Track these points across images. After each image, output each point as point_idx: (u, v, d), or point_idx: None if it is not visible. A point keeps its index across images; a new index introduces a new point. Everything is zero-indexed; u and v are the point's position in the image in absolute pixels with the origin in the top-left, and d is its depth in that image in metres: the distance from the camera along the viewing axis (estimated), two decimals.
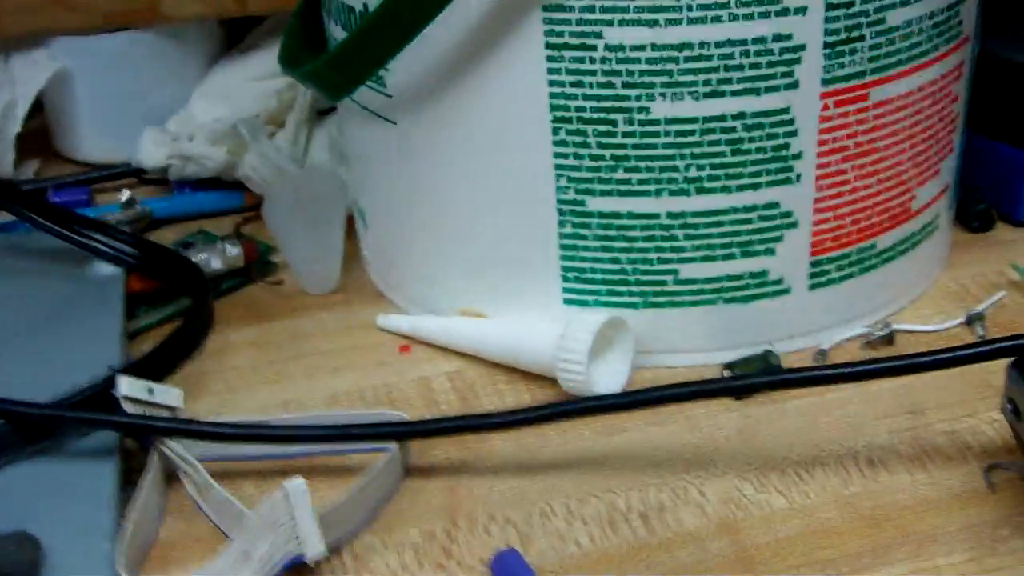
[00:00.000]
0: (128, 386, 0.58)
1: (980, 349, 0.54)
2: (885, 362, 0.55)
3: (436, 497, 0.57)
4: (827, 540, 0.52)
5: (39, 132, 0.95)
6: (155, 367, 0.64)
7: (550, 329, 0.62)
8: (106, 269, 0.74)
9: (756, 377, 0.59)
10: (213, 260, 0.74)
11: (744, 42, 0.56)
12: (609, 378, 0.62)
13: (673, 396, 0.56)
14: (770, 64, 0.57)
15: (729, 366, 0.63)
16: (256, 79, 0.85)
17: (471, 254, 0.65)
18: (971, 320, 0.66)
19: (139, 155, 0.85)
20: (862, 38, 0.58)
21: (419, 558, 0.53)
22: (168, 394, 0.60)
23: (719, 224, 0.60)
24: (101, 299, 0.71)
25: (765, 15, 0.56)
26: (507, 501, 0.56)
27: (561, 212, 0.61)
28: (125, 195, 0.82)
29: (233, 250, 0.74)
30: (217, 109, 0.85)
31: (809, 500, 0.55)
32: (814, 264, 0.63)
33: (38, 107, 0.92)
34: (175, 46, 0.89)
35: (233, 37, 0.92)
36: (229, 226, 0.81)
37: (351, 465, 0.59)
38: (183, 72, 0.90)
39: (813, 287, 0.63)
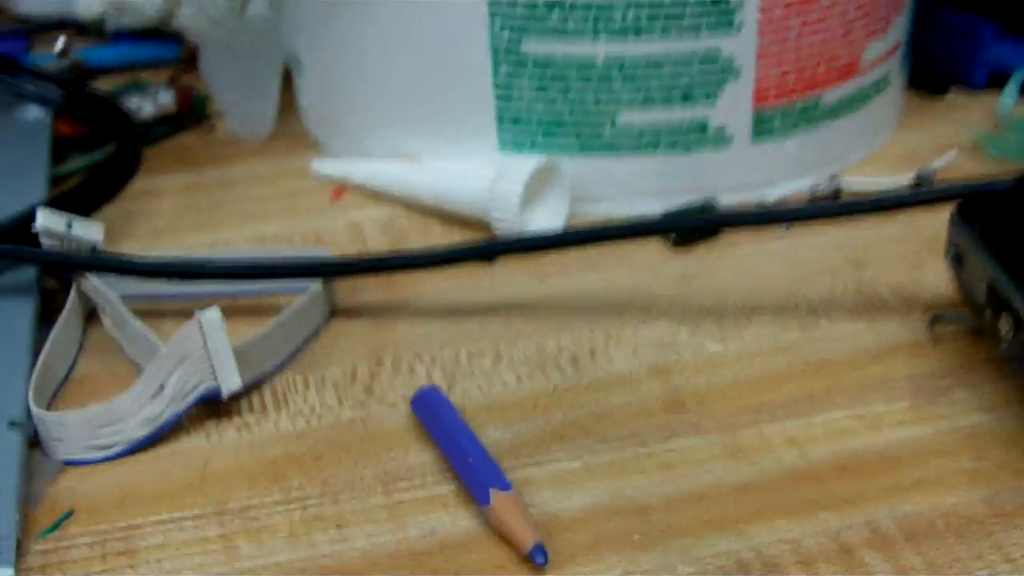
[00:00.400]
0: (46, 218, 0.56)
1: (922, 193, 0.53)
2: (825, 208, 0.54)
3: (361, 338, 0.56)
4: (761, 386, 0.51)
5: None
6: (77, 205, 0.62)
7: (483, 173, 0.60)
8: (34, 112, 0.72)
9: (689, 217, 0.58)
10: (145, 106, 0.72)
11: None
12: (543, 224, 0.61)
13: (604, 234, 0.55)
14: None
15: (668, 215, 0.61)
16: None
17: (406, 98, 0.63)
18: (920, 179, 0.65)
19: (76, 5, 0.83)
20: None
21: (339, 395, 0.52)
22: (89, 228, 0.58)
23: (658, 69, 0.59)
24: (28, 141, 0.70)
25: None
26: (434, 342, 0.55)
27: (495, 56, 0.59)
28: (60, 43, 0.80)
29: (166, 96, 0.73)
30: None
31: (745, 346, 0.54)
32: (757, 114, 0.61)
33: None
34: None
35: None
36: (165, 77, 0.79)
37: (277, 306, 0.57)
38: None
39: (756, 138, 0.62)
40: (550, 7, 0.57)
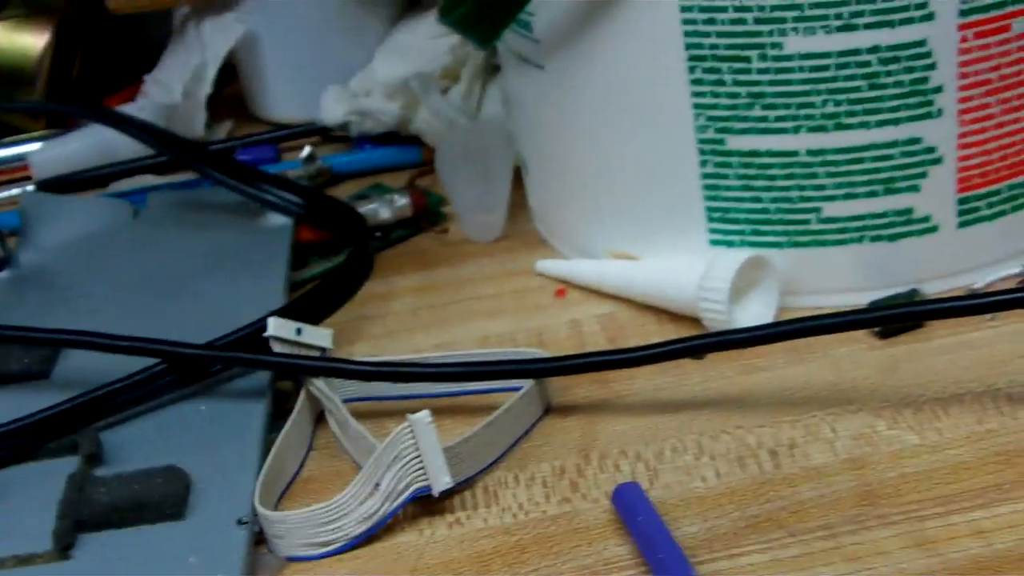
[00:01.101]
0: (276, 326, 0.60)
1: None
2: None
3: (572, 434, 0.58)
4: (953, 476, 0.51)
5: (236, 96, 0.98)
6: (312, 311, 0.65)
7: (694, 268, 0.62)
8: (278, 220, 0.76)
9: (894, 309, 0.58)
10: (382, 210, 0.76)
11: None
12: (752, 318, 0.62)
13: (809, 328, 0.56)
14: None
15: (873, 306, 0.62)
16: (434, 37, 0.86)
17: (619, 196, 0.66)
18: None
19: (322, 112, 0.87)
20: None
21: (547, 491, 0.54)
22: (317, 334, 0.61)
23: (860, 161, 0.60)
24: (270, 248, 0.74)
25: None
26: (640, 437, 0.57)
27: (702, 152, 0.61)
28: (306, 151, 0.85)
29: (401, 200, 0.76)
30: (397, 67, 0.87)
31: (941, 437, 0.54)
32: (962, 201, 0.61)
33: (235, 70, 0.95)
34: (358, 7, 0.91)
35: None
36: (406, 180, 0.82)
37: (495, 404, 0.59)
38: (366, 32, 0.92)
39: (962, 225, 0.62)
40: (751, 103, 0.59)
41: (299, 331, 0.61)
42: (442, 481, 0.53)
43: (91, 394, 0.60)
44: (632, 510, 0.51)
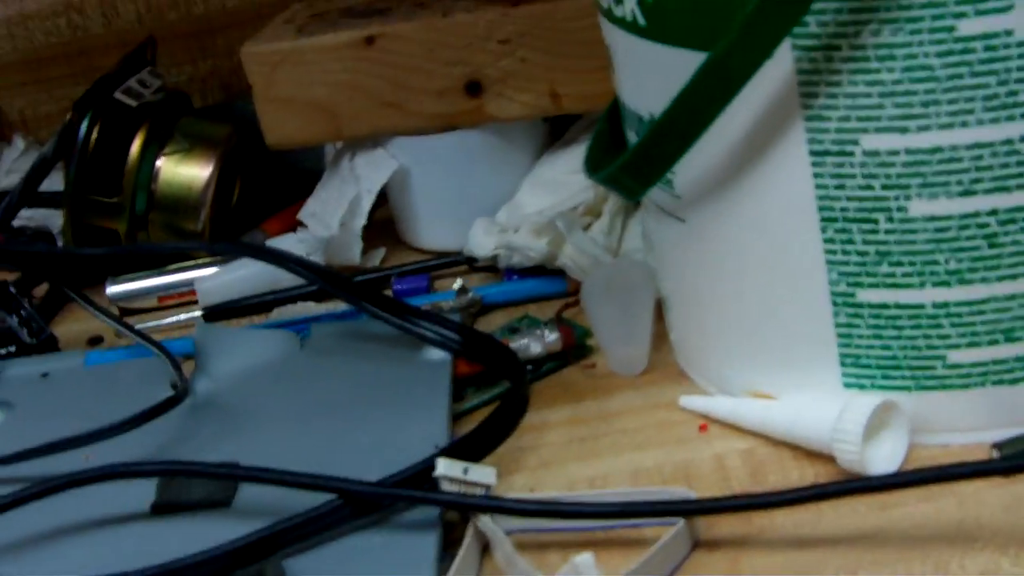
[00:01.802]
0: (445, 467, 0.66)
1: None
2: None
3: (719, 567, 0.63)
4: None
5: (387, 222, 1.04)
6: (475, 447, 0.71)
7: (829, 411, 0.67)
8: (436, 354, 0.82)
9: (1019, 456, 0.63)
10: (533, 345, 0.81)
11: (992, 144, 0.60)
12: (884, 457, 0.67)
13: (941, 476, 0.61)
14: (1019, 163, 0.61)
15: (998, 445, 0.66)
16: (576, 172, 0.92)
17: (757, 341, 0.71)
18: None
19: (471, 245, 0.93)
20: None
21: None
22: (483, 473, 0.67)
23: (982, 312, 0.64)
24: (431, 382, 0.80)
25: (1011, 118, 0.60)
26: (782, 572, 0.61)
27: (835, 303, 0.66)
28: (458, 283, 0.91)
29: (551, 336, 0.82)
30: (542, 199, 0.92)
31: None
32: None
33: (384, 198, 1.01)
34: (502, 142, 0.97)
35: (557, 131, 0.99)
36: (553, 309, 0.88)
37: (645, 538, 0.65)
38: (511, 166, 0.98)
39: None
40: (879, 261, 0.64)
41: (466, 470, 0.66)
42: None
43: (275, 527, 0.66)
44: None
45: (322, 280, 0.87)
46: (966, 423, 0.67)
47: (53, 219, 1.14)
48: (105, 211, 1.05)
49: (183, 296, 1.02)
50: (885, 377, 0.67)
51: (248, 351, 0.87)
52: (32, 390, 0.91)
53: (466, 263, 0.97)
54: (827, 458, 0.68)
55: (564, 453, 0.74)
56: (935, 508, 0.64)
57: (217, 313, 0.98)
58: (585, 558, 0.58)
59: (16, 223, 1.09)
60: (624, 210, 0.90)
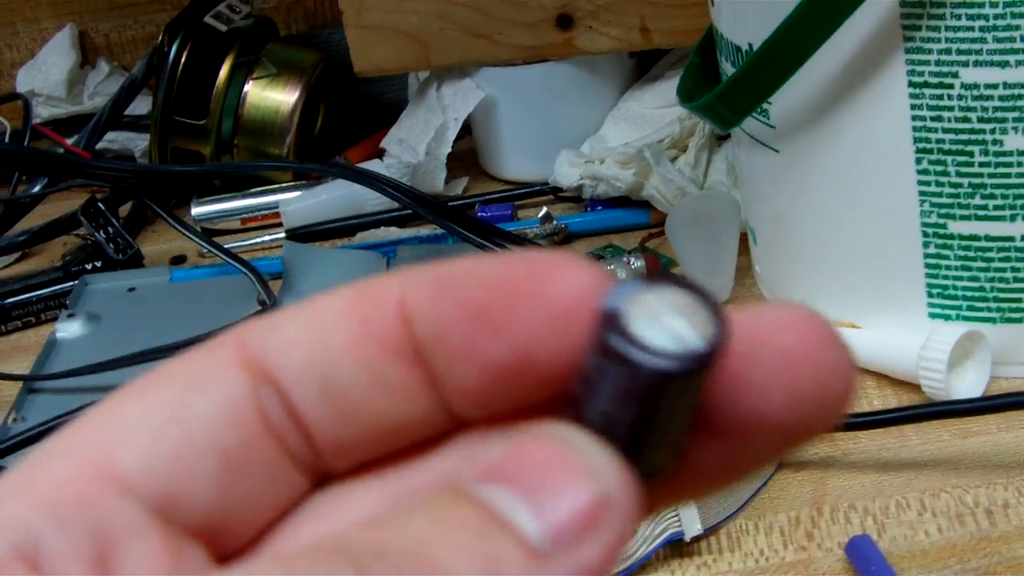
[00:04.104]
0: None
1: None
2: None
3: (804, 488, 0.64)
4: None
5: (469, 153, 1.06)
6: None
7: (914, 340, 0.68)
8: None
9: None
10: (619, 272, 0.83)
11: None
12: (967, 386, 0.68)
13: (1020, 402, 0.62)
14: None
15: None
16: (662, 107, 0.93)
17: (845, 271, 0.72)
18: None
19: (556, 175, 0.95)
20: None
21: (784, 540, 0.61)
22: None
23: None
24: None
25: None
26: (867, 493, 0.63)
27: (925, 234, 0.67)
28: (543, 211, 0.92)
29: (637, 263, 0.83)
30: (626, 134, 0.94)
31: None
32: None
33: (467, 130, 1.03)
34: (589, 76, 0.98)
35: (643, 66, 1.01)
36: (636, 241, 0.89)
37: None
38: (596, 99, 0.99)
39: None
40: (972, 193, 0.65)
41: None
42: (694, 527, 0.60)
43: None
44: (866, 561, 0.58)
45: (414, 202, 0.88)
46: None
47: (135, 142, 1.16)
48: (191, 134, 1.06)
49: (266, 219, 1.03)
50: (971, 308, 0.68)
51: (336, 270, 0.89)
52: (118, 304, 0.93)
53: (550, 192, 0.98)
54: (910, 386, 0.69)
55: None
56: (1017, 436, 0.65)
57: (301, 236, 0.99)
58: None
59: (98, 146, 1.10)
60: (710, 144, 0.91)
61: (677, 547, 0.61)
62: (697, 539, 0.61)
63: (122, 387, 0.25)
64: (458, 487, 0.23)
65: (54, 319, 0.91)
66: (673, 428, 0.25)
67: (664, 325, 0.23)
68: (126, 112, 1.09)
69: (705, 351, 0.23)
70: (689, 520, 0.60)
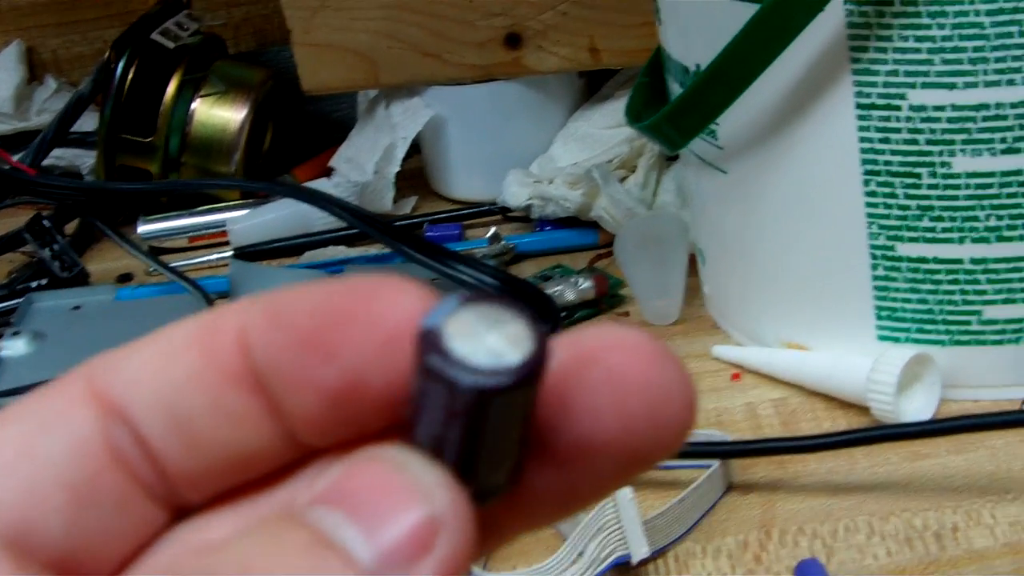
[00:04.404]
0: None
1: None
2: None
3: (753, 510, 0.64)
4: None
5: (417, 172, 1.05)
6: None
7: (863, 362, 0.68)
8: None
9: None
10: (567, 292, 0.83)
11: None
12: (917, 408, 0.68)
13: (973, 425, 0.63)
14: None
15: None
16: (611, 127, 0.93)
17: (794, 292, 0.72)
18: None
19: (505, 195, 0.94)
20: None
21: (733, 563, 0.61)
22: None
23: (1019, 269, 0.65)
24: None
25: None
26: (816, 516, 0.63)
27: (873, 256, 0.67)
28: (491, 231, 0.92)
29: (585, 284, 0.83)
30: (575, 154, 0.94)
31: None
32: None
33: (416, 149, 1.02)
34: (538, 96, 0.98)
35: (592, 87, 1.01)
36: (584, 261, 0.89)
37: (681, 480, 0.66)
38: (545, 119, 0.99)
39: None
40: (920, 215, 0.65)
41: None
42: (641, 551, 0.60)
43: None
44: None
45: (362, 222, 0.88)
46: (998, 379, 0.69)
47: (82, 159, 1.15)
48: (138, 151, 1.06)
49: (213, 237, 1.02)
50: (920, 331, 0.68)
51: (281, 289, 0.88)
52: (63, 322, 0.92)
53: (499, 213, 0.98)
54: (859, 409, 0.69)
55: None
56: (966, 459, 0.65)
57: (248, 254, 0.98)
58: (624, 492, 0.59)
59: (45, 162, 1.10)
60: (659, 165, 0.91)
61: (623, 571, 0.61)
62: (644, 562, 0.61)
63: None
64: (291, 511, 0.24)
65: None
66: (503, 447, 0.25)
67: (482, 342, 0.23)
68: (73, 129, 1.09)
69: (522, 366, 0.23)
70: (636, 543, 0.60)
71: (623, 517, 0.59)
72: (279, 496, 0.26)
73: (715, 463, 0.65)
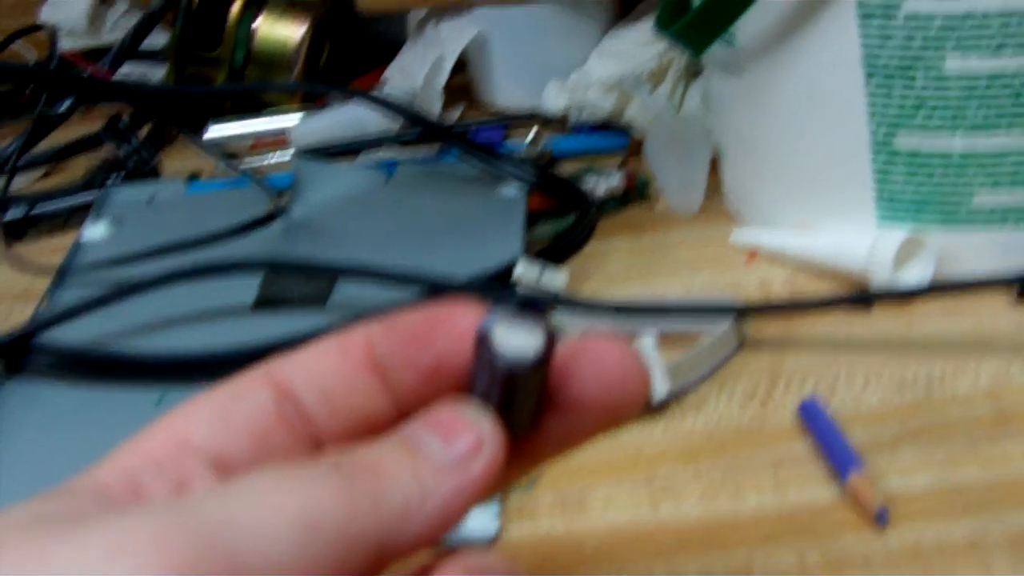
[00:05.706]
0: (524, 267, 0.76)
1: None
2: None
3: (762, 363, 0.72)
4: None
5: (462, 87, 1.14)
6: (547, 260, 0.81)
7: (864, 242, 0.76)
8: (512, 191, 0.92)
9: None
10: (599, 186, 0.91)
11: (1021, 11, 0.70)
12: (912, 281, 0.76)
13: (961, 286, 0.73)
14: None
15: (1020, 279, 0.75)
16: (643, 44, 1.02)
17: (803, 183, 0.80)
18: None
19: (544, 102, 1.03)
20: None
21: (743, 404, 0.69)
22: (555, 276, 0.77)
23: (1004, 159, 0.73)
24: (508, 212, 0.90)
25: None
26: (819, 368, 0.71)
27: (874, 148, 0.76)
28: (531, 134, 1.01)
29: (616, 179, 0.91)
30: (610, 68, 1.02)
31: None
32: None
33: (460, 67, 1.11)
34: (575, 16, 1.07)
35: (626, 8, 1.09)
36: (616, 162, 0.98)
37: (700, 339, 0.74)
38: (582, 37, 1.07)
39: None
40: (916, 109, 0.73)
41: (541, 273, 0.76)
42: (662, 391, 0.68)
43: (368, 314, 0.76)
44: (814, 418, 0.66)
45: (418, 122, 0.96)
46: (987, 260, 0.76)
47: (152, 74, 1.23)
48: (206, 63, 1.14)
49: (275, 142, 1.10)
50: (916, 215, 0.76)
51: (340, 183, 0.97)
52: (139, 211, 1.01)
53: (538, 120, 1.06)
54: (859, 284, 0.78)
55: (625, 273, 0.84)
56: (955, 321, 0.74)
57: (308, 156, 1.06)
58: (647, 339, 0.68)
59: (116, 77, 1.17)
60: (686, 77, 0.99)
61: (645, 410, 0.69)
62: (664, 403, 0.69)
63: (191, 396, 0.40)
64: (399, 433, 0.38)
65: (78, 227, 0.98)
66: (526, 402, 0.38)
67: (514, 338, 0.36)
68: (142, 47, 1.16)
69: (538, 354, 0.37)
70: (659, 383, 0.68)
71: (647, 361, 0.68)
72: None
73: (728, 321, 0.73)
